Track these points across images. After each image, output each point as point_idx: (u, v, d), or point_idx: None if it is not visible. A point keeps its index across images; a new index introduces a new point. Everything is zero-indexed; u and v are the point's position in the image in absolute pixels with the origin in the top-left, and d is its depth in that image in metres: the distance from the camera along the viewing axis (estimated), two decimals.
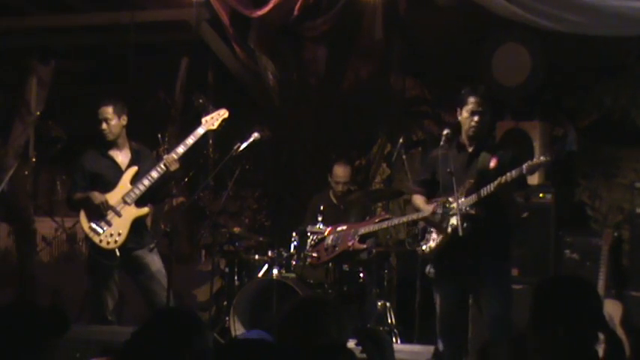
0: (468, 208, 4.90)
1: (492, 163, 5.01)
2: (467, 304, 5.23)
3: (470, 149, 5.12)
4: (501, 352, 4.94)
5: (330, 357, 2.67)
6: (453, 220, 4.96)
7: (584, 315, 2.88)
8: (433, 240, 5.13)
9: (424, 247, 5.18)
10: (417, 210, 5.33)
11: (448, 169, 4.98)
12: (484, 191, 4.90)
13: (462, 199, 4.95)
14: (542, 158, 4.86)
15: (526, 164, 4.81)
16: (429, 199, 5.24)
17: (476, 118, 5.03)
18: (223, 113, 6.08)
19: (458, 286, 5.10)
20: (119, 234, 5.81)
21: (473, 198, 4.94)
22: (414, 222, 5.44)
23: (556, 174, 6.93)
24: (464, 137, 5.14)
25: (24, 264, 8.32)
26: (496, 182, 4.85)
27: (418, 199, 5.33)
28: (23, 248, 8.43)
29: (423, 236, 5.22)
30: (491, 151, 5.09)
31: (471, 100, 5.04)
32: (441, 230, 5.05)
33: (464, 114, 5.08)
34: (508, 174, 4.82)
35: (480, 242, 4.91)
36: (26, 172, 8.84)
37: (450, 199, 5.00)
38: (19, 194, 8.53)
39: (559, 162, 7.01)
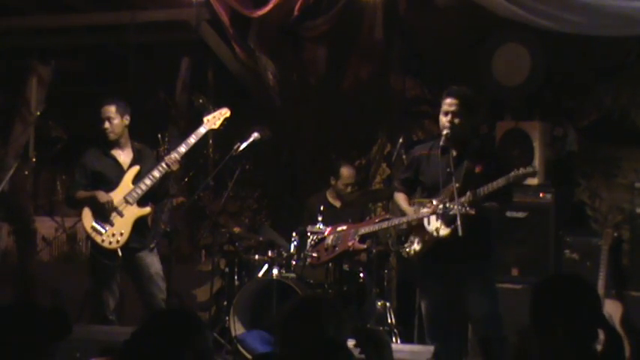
0: (468, 209, 4.91)
1: (478, 169, 5.04)
2: (455, 304, 5.22)
3: (454, 153, 5.11)
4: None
5: (328, 356, 2.67)
6: (437, 223, 4.97)
7: (583, 313, 2.88)
8: (418, 242, 5.14)
9: (408, 250, 5.19)
10: (401, 210, 5.35)
11: (448, 169, 4.99)
12: (481, 191, 4.91)
13: (448, 201, 4.96)
14: (529, 168, 4.88)
15: (513, 173, 4.84)
16: (410, 198, 5.29)
17: (448, 118, 5.06)
18: (225, 112, 6.09)
19: (443, 287, 5.10)
20: (121, 234, 5.81)
21: (468, 196, 4.93)
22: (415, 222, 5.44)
23: (556, 174, 6.93)
24: (445, 139, 5.13)
25: (24, 264, 8.32)
26: (485, 189, 4.87)
27: (401, 199, 5.35)
28: (23, 248, 8.43)
29: (407, 238, 5.23)
30: (476, 157, 5.10)
31: (445, 101, 5.09)
32: (423, 233, 5.06)
33: (440, 116, 5.11)
34: (495, 182, 4.86)
35: (463, 243, 4.90)
36: (26, 172, 8.83)
37: (434, 201, 5.01)
38: (19, 194, 8.53)
39: (559, 162, 7.01)
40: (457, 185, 4.96)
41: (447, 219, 4.96)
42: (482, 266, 5.09)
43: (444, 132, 5.08)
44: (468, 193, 4.94)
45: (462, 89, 5.18)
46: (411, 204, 5.27)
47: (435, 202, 5.03)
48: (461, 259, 4.98)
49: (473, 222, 4.91)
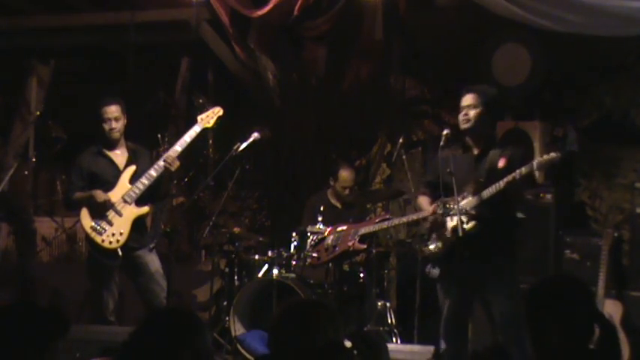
0: (468, 209, 4.89)
1: (501, 163, 4.96)
2: (473, 305, 5.19)
3: (476, 150, 5.08)
4: None
5: (328, 357, 2.66)
6: (455, 221, 4.94)
7: (578, 313, 2.88)
8: (440, 240, 5.08)
9: (431, 247, 5.12)
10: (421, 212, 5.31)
11: (448, 169, 4.97)
12: (487, 192, 4.88)
13: (467, 200, 4.94)
14: (552, 154, 4.83)
15: (536, 160, 4.78)
16: (434, 200, 5.20)
17: (463, 112, 5.03)
18: (218, 111, 6.08)
19: (465, 287, 5.04)
20: (121, 233, 5.81)
21: (476, 200, 4.91)
22: (415, 222, 5.42)
23: (556, 174, 6.93)
24: (468, 137, 5.11)
25: (24, 264, 8.31)
26: (506, 179, 4.81)
27: (423, 201, 5.30)
28: (23, 248, 8.41)
29: (430, 236, 5.18)
30: (500, 150, 5.04)
31: (463, 97, 5.07)
32: (440, 233, 5.03)
33: (460, 114, 5.08)
34: (518, 170, 4.79)
35: (487, 242, 4.88)
36: (26, 172, 8.83)
37: (458, 199, 4.97)
38: (19, 194, 8.52)
39: (559, 162, 7.00)
40: (481, 180, 4.93)
41: (469, 214, 4.93)
42: (505, 266, 5.00)
43: (460, 127, 5.05)
44: (473, 197, 4.91)
45: (480, 86, 5.16)
46: (433, 204, 5.21)
47: (458, 199, 4.98)
48: (483, 259, 4.93)
49: (495, 221, 4.89)
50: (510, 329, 4.96)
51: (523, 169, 4.79)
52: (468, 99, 5.05)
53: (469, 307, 5.17)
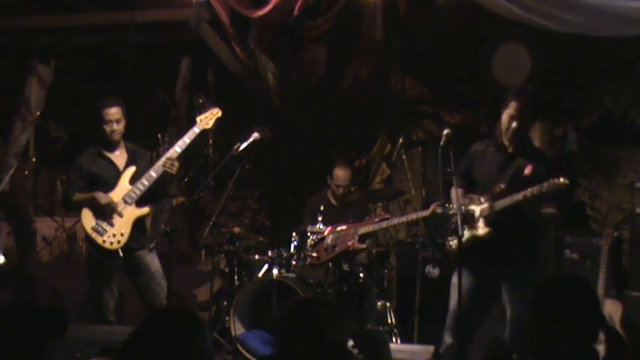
0: (464, 208, 4.88)
1: (527, 171, 4.90)
2: (486, 304, 5.16)
3: (509, 150, 5.01)
4: None
5: (329, 358, 2.67)
6: (480, 221, 4.92)
7: (584, 314, 2.88)
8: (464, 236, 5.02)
9: (452, 244, 5.06)
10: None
11: (448, 169, 4.95)
12: (501, 203, 4.85)
13: (482, 206, 4.92)
14: (562, 180, 4.70)
15: (546, 182, 4.71)
16: (467, 193, 5.12)
17: (514, 125, 4.94)
18: (217, 112, 6.08)
19: (477, 286, 5.01)
20: (122, 234, 5.81)
21: (490, 207, 4.91)
22: (415, 222, 5.41)
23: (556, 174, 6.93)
24: (503, 138, 5.04)
25: (24, 264, 8.32)
26: (515, 198, 4.78)
27: (455, 193, 5.16)
28: (23, 248, 8.43)
29: (455, 232, 5.11)
30: (530, 157, 4.98)
31: (513, 104, 4.96)
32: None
33: (504, 116, 4.98)
34: (530, 189, 4.73)
35: (504, 246, 4.86)
36: (26, 172, 8.84)
37: (482, 199, 4.95)
38: (19, 194, 8.53)
39: (559, 162, 7.01)
40: (502, 186, 4.90)
41: (489, 219, 4.90)
42: (522, 270, 4.94)
43: (505, 134, 4.95)
44: (486, 204, 4.90)
45: (529, 91, 5.09)
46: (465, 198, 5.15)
47: (482, 199, 4.98)
48: (500, 261, 4.91)
49: (514, 225, 4.86)
50: (520, 331, 4.92)
51: (534, 190, 4.73)
52: (517, 109, 4.93)
53: (479, 306, 5.12)
